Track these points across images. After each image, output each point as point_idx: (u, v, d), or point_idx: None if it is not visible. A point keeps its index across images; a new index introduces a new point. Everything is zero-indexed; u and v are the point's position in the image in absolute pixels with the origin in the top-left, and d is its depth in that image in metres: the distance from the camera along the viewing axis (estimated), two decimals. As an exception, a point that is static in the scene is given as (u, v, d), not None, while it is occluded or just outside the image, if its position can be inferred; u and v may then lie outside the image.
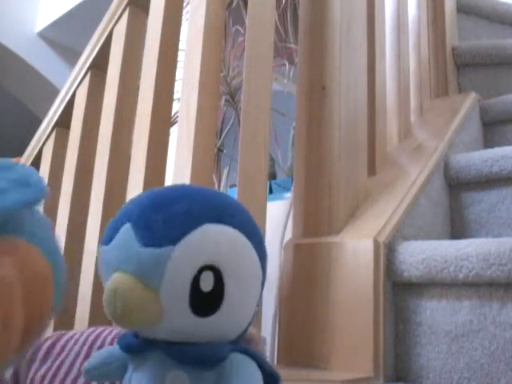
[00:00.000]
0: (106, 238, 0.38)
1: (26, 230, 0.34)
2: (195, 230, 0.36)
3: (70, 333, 0.55)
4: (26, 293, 0.30)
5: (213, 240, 0.36)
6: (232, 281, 0.36)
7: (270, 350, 0.82)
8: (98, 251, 0.39)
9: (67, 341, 0.54)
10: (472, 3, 1.50)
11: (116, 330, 0.55)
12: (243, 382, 0.36)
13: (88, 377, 0.41)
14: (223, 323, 0.37)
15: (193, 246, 0.35)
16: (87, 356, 0.52)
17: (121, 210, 0.39)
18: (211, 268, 0.35)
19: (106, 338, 0.53)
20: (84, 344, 0.53)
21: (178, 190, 0.39)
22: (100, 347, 0.52)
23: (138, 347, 0.38)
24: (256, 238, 0.39)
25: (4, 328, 0.28)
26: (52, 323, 0.98)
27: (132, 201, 0.39)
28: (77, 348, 0.53)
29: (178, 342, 0.36)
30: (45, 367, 0.52)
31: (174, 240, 0.35)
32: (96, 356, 0.41)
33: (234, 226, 0.37)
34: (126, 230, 0.36)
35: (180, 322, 0.36)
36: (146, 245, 0.35)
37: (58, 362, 0.52)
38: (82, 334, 0.54)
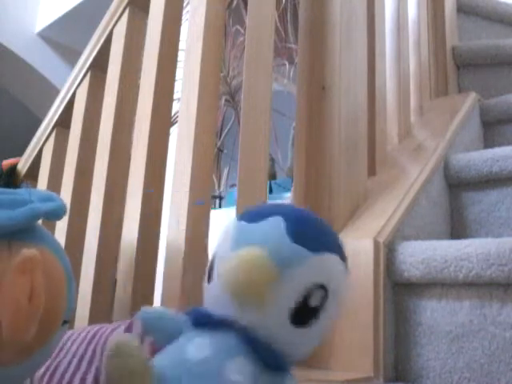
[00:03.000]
0: (249, 217, 0.40)
1: (46, 240, 0.36)
2: (327, 252, 0.39)
3: (68, 332, 0.55)
4: (45, 287, 0.32)
5: (333, 267, 0.40)
6: (331, 304, 0.39)
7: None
8: (238, 224, 0.40)
9: (65, 341, 0.54)
10: (472, 3, 1.50)
11: (112, 327, 0.54)
12: None
13: (143, 323, 0.41)
14: (305, 339, 0.39)
15: (321, 264, 0.39)
16: (83, 356, 0.52)
17: (268, 205, 0.42)
18: (321, 287, 0.38)
19: (102, 336, 0.53)
20: (81, 344, 0.53)
21: (315, 215, 0.43)
22: (96, 346, 0.52)
23: (207, 321, 0.39)
24: (345, 257, 0.43)
25: (28, 301, 0.31)
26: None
27: (279, 205, 0.42)
28: (74, 348, 0.53)
29: (254, 334, 0.38)
30: (43, 367, 0.52)
31: (316, 250, 0.38)
32: (156, 310, 0.42)
33: (342, 259, 0.41)
34: (278, 220, 0.39)
35: (279, 323, 0.38)
36: (296, 241, 0.38)
37: (55, 363, 0.52)
38: (79, 334, 0.54)
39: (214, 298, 0.40)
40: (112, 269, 0.94)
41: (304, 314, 0.38)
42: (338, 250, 0.41)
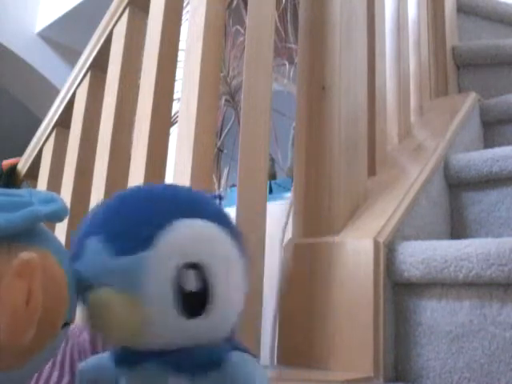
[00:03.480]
0: (75, 254, 0.36)
1: (48, 242, 0.36)
2: (165, 229, 0.34)
3: None
4: (45, 290, 0.32)
5: (186, 236, 0.34)
6: (217, 276, 0.34)
7: (270, 350, 0.82)
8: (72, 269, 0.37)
9: None
10: (472, 3, 1.50)
11: (84, 333, 0.53)
12: (249, 381, 0.35)
13: (79, 373, 0.40)
14: (214, 322, 0.35)
15: (166, 247, 0.34)
16: (61, 366, 0.50)
17: (82, 223, 0.38)
18: (193, 266, 0.33)
19: (78, 339, 0.52)
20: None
21: (140, 193, 0.38)
22: (72, 350, 0.51)
23: (131, 360, 0.36)
24: (229, 224, 0.38)
25: (26, 305, 0.30)
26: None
27: (93, 212, 0.38)
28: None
29: (172, 349, 0.35)
30: None
31: (145, 243, 0.33)
32: (88, 363, 0.40)
33: (205, 218, 0.36)
34: (93, 243, 0.35)
35: (167, 326, 0.34)
36: (118, 254, 0.33)
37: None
38: None
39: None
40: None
41: (189, 302, 0.33)
42: (184, 212, 0.35)
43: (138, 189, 0.39)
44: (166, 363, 0.35)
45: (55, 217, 0.35)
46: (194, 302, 0.34)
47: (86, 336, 0.51)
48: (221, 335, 0.36)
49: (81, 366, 0.40)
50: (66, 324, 0.36)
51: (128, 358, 0.36)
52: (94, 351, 0.49)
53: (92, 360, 0.40)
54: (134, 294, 0.33)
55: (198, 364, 0.35)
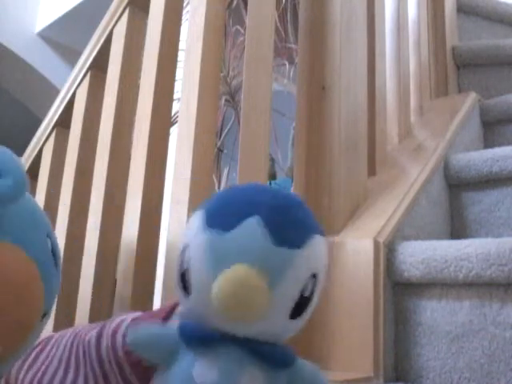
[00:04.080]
0: (224, 224, 0.36)
1: (6, 228, 0.30)
2: (312, 238, 0.37)
3: (56, 335, 0.54)
4: (3, 293, 0.28)
5: (320, 250, 0.38)
6: (318, 289, 0.38)
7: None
8: (208, 232, 0.37)
9: (52, 345, 0.53)
10: (472, 3, 1.50)
11: (92, 331, 0.53)
12: (316, 380, 0.38)
13: (134, 346, 0.39)
14: (298, 326, 0.39)
15: (310, 253, 0.37)
16: (68, 363, 0.50)
17: (240, 198, 0.39)
18: (314, 275, 0.37)
19: (81, 339, 0.52)
20: (64, 349, 0.52)
21: (289, 196, 0.41)
22: (78, 351, 0.51)
23: (206, 338, 0.37)
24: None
25: None
26: (52, 324, 0.98)
27: (251, 192, 0.39)
28: (58, 354, 0.51)
29: (256, 341, 0.37)
30: (30, 374, 0.51)
31: (301, 244, 0.36)
32: (145, 329, 0.40)
33: (323, 236, 0.40)
34: (255, 224, 0.36)
35: (279, 322, 0.37)
36: (279, 244, 0.36)
37: (43, 368, 0.51)
38: (62, 338, 0.53)
39: (198, 312, 0.38)
40: (112, 269, 0.94)
41: (301, 306, 0.37)
42: (317, 229, 0.39)
43: (280, 190, 0.41)
44: (249, 352, 0.36)
45: (7, 200, 0.28)
46: (303, 306, 0.37)
47: (92, 337, 0.51)
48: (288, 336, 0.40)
49: (131, 333, 0.40)
50: (45, 315, 0.33)
51: (207, 336, 0.37)
52: (99, 351, 0.48)
53: (141, 330, 0.40)
54: (274, 281, 0.35)
55: (277, 360, 0.37)
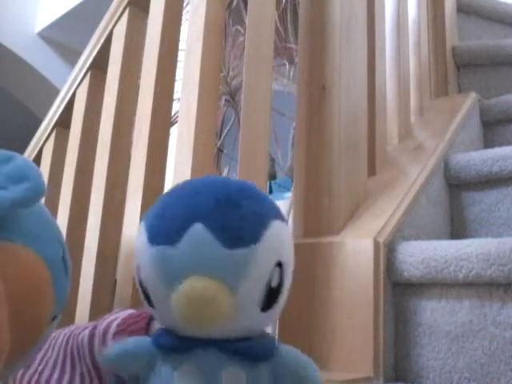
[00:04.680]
0: (170, 238, 0.35)
1: (21, 231, 0.31)
2: (268, 228, 0.35)
3: (52, 334, 0.53)
4: (16, 307, 0.28)
5: (281, 237, 0.36)
6: (287, 275, 0.37)
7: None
8: (155, 250, 0.36)
9: (48, 346, 0.52)
10: (472, 3, 1.50)
11: (85, 331, 0.53)
12: (300, 368, 0.37)
13: (106, 364, 0.39)
14: (274, 316, 0.38)
15: (269, 244, 0.35)
16: (63, 363, 0.50)
17: (178, 205, 0.36)
18: (279, 264, 0.36)
19: (75, 338, 0.52)
20: (59, 350, 0.51)
21: (234, 186, 0.38)
22: (72, 349, 0.51)
23: (181, 346, 0.36)
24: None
25: None
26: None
27: (189, 196, 0.37)
28: (54, 354, 0.51)
29: (231, 339, 0.36)
30: (28, 374, 0.51)
31: (256, 239, 0.34)
32: (120, 345, 0.39)
33: (283, 220, 0.38)
34: (199, 231, 0.34)
35: (249, 319, 0.36)
36: (230, 247, 0.34)
37: (40, 368, 0.51)
38: (57, 338, 0.53)
39: (167, 323, 0.37)
40: (112, 269, 0.94)
41: (270, 297, 0.36)
42: (273, 214, 0.37)
43: (226, 180, 0.39)
44: (225, 352, 0.36)
45: (26, 202, 0.29)
46: (273, 296, 0.36)
47: (84, 336, 0.51)
48: (267, 326, 0.39)
49: (106, 351, 0.39)
50: (55, 317, 0.34)
51: (182, 344, 0.36)
52: (92, 351, 0.48)
53: (120, 345, 0.39)
54: (234, 284, 0.34)
55: (255, 354, 0.36)
